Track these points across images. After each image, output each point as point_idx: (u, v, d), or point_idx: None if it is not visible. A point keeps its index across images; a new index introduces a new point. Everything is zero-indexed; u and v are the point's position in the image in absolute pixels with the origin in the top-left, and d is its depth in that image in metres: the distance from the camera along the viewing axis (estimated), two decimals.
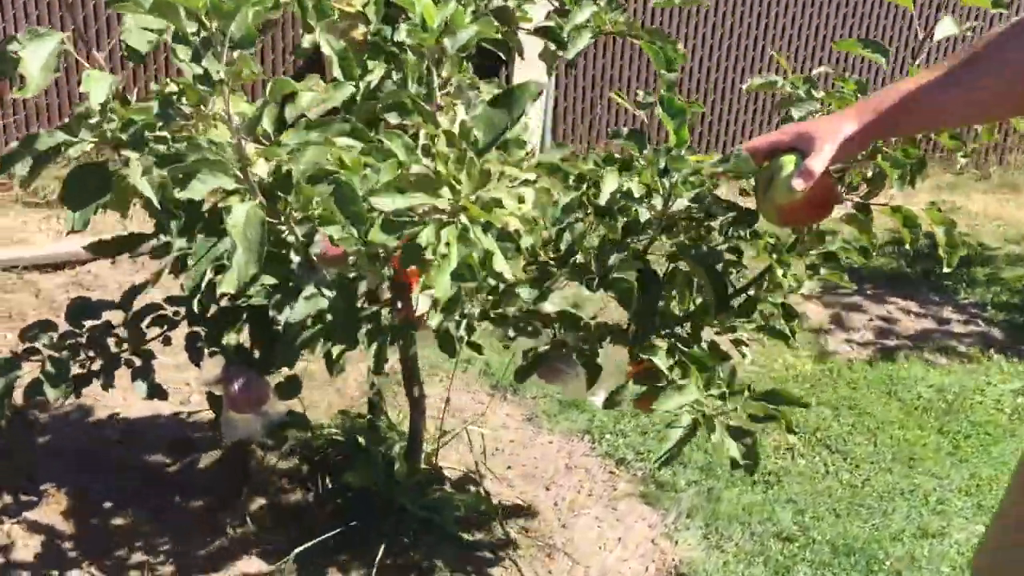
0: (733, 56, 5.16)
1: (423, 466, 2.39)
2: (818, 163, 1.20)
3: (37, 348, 2.13)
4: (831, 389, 3.15)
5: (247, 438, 2.43)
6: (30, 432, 2.58)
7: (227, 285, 1.14)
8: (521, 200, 1.29)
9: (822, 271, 1.85)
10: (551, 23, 1.91)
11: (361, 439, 2.33)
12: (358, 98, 1.68)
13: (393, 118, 1.61)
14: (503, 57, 2.08)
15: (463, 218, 1.19)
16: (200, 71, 1.11)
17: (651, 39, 1.85)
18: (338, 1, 1.88)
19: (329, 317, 1.47)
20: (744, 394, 1.68)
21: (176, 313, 2.17)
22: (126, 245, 1.62)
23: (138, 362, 2.22)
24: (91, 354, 2.16)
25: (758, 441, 1.61)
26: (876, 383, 3.20)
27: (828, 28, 5.26)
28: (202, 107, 1.19)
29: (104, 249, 1.63)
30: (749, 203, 1.78)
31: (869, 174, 1.74)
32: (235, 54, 1.10)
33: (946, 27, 1.36)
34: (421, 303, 1.22)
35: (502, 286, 1.68)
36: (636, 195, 1.38)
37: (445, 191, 1.16)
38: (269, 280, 1.55)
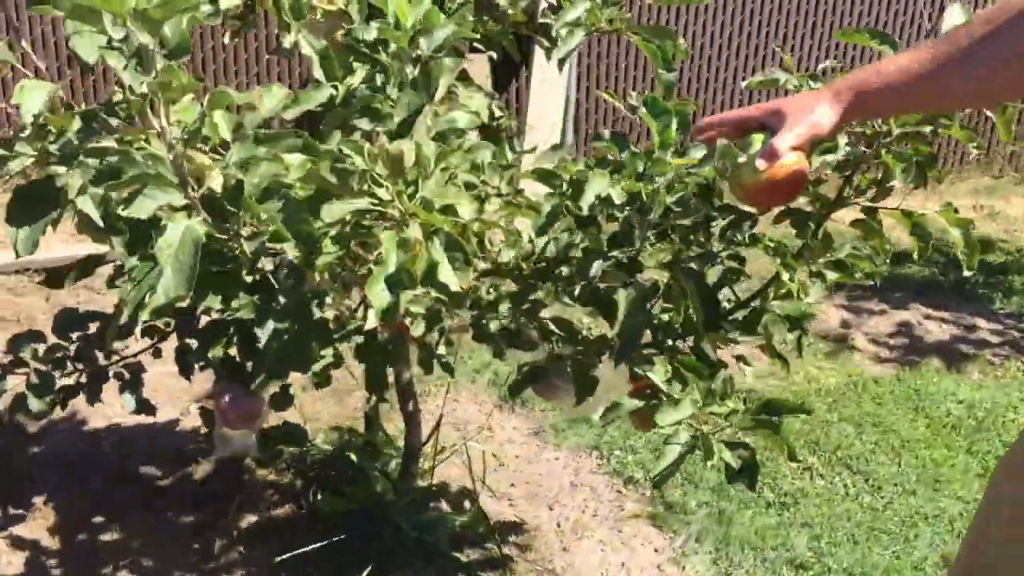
0: (725, 56, 5.02)
1: (420, 483, 2.31)
2: (783, 143, 1.16)
3: (24, 360, 2.09)
4: (854, 404, 3.01)
5: (240, 453, 2.36)
6: (22, 442, 2.53)
7: (150, 311, 1.06)
8: (480, 206, 1.20)
9: (829, 277, 1.74)
10: (546, 20, 1.82)
11: (354, 456, 2.24)
12: (337, 101, 1.60)
13: (365, 124, 1.53)
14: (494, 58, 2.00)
15: (412, 225, 1.09)
16: (137, 82, 1.03)
17: (650, 37, 1.75)
18: (320, 0, 1.81)
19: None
20: (742, 409, 1.59)
21: (167, 324, 2.11)
22: (83, 269, 1.55)
23: (127, 375, 2.17)
24: (79, 366, 2.11)
25: (756, 455, 1.50)
26: (902, 398, 3.06)
27: (825, 26, 5.11)
28: (140, 119, 1.10)
29: (57, 280, 1.56)
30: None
31: (879, 176, 1.63)
32: (160, 65, 1.01)
33: (955, 15, 1.25)
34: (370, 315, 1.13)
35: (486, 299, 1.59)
36: (616, 201, 1.28)
37: (380, 191, 1.07)
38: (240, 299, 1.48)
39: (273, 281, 1.30)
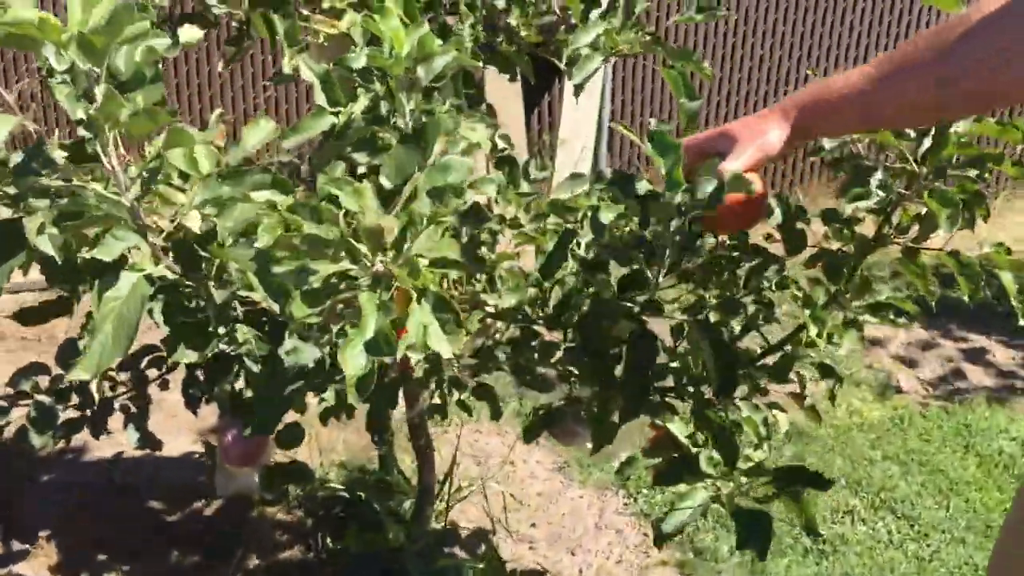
0: (756, 79, 4.81)
1: (435, 525, 2.20)
2: (732, 167, 1.12)
3: (27, 392, 2.02)
4: (900, 440, 2.84)
5: (243, 492, 2.27)
6: (26, 471, 2.46)
7: (80, 371, 0.96)
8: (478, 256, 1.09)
9: (867, 321, 1.60)
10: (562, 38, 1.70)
11: (364, 496, 2.14)
12: (337, 130, 1.50)
13: (362, 158, 1.43)
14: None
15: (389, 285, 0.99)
16: (79, 115, 0.94)
17: (673, 59, 1.62)
18: (322, 24, 1.71)
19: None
20: (766, 462, 1.47)
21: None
22: (55, 309, 1.47)
23: (133, 408, 2.09)
24: (82, 399, 2.04)
25: (772, 522, 1.37)
26: (951, 434, 2.88)
27: (860, 48, 4.86)
28: (99, 154, 1.01)
29: (30, 316, 1.48)
30: (776, 248, 1.54)
31: (922, 211, 1.49)
32: (101, 95, 0.91)
33: None
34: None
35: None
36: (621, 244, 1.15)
37: (356, 253, 0.96)
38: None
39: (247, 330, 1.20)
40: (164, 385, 2.09)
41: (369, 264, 0.97)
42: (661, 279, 1.18)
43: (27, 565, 2.16)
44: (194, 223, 1.18)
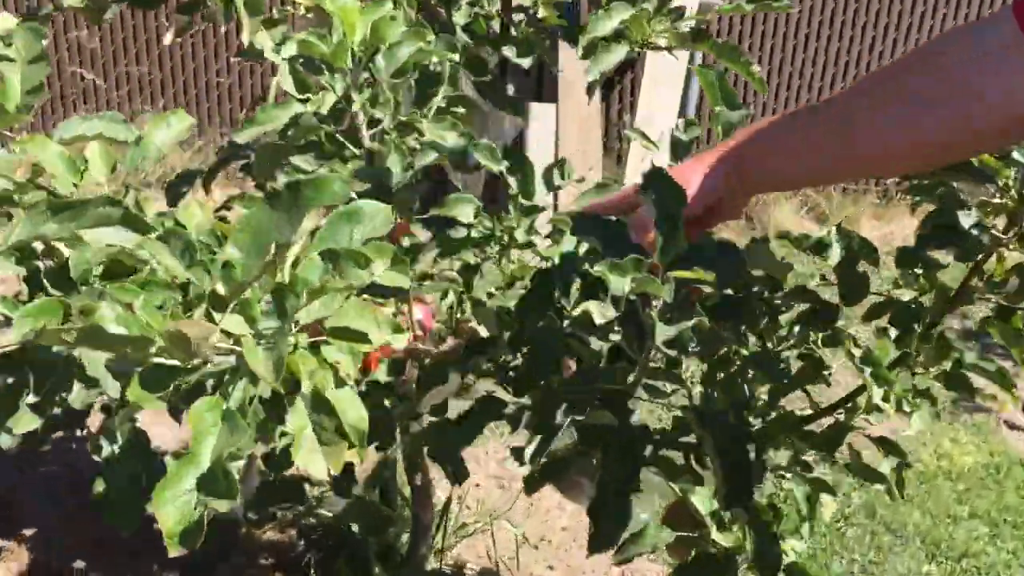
0: (808, 75, 4.30)
1: (433, 564, 1.96)
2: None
3: None
4: (994, 494, 2.46)
5: (228, 513, 2.07)
6: (26, 472, 2.33)
7: None
8: (396, 327, 0.82)
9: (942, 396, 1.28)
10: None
11: (355, 527, 1.91)
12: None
13: (306, 163, 1.17)
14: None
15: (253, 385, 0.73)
16: None
17: (718, 54, 1.31)
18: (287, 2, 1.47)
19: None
20: None
21: None
22: None
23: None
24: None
25: None
26: None
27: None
28: None
29: None
30: (830, 294, 1.23)
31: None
32: None
33: None
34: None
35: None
36: (598, 321, 0.86)
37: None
38: None
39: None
40: None
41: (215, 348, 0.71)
42: (647, 356, 0.89)
43: (27, 565, 2.02)
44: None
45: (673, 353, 0.82)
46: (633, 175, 3.59)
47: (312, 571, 1.94)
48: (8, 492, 2.22)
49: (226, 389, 0.75)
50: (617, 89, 4.35)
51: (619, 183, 1.23)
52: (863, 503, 2.37)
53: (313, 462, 0.73)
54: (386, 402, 1.39)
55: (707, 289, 0.86)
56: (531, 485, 1.52)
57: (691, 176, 0.89)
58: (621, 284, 0.81)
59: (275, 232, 0.68)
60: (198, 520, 0.68)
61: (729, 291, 0.97)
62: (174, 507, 0.68)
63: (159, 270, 0.82)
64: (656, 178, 0.88)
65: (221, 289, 0.68)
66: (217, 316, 0.76)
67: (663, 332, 0.82)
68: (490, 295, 1.41)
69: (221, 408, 0.70)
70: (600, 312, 0.86)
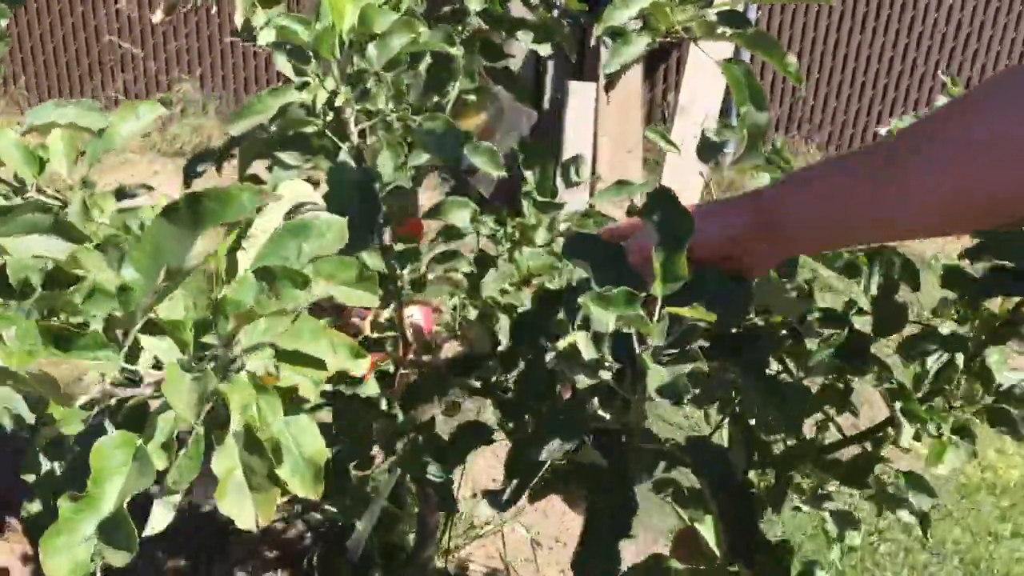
0: (851, 70, 4.04)
1: (438, 564, 1.89)
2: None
3: None
4: None
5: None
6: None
7: None
8: (356, 352, 0.73)
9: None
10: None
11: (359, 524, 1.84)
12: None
13: (292, 159, 1.09)
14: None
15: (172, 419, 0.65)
16: None
17: (751, 47, 1.19)
18: None
19: None
20: None
21: None
22: None
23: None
24: None
25: None
26: None
27: (983, 40, 3.98)
28: None
29: None
30: (862, 321, 1.12)
31: None
32: None
33: None
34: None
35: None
36: (585, 357, 0.76)
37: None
38: None
39: None
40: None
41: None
42: (641, 397, 0.79)
43: (27, 564, 2.00)
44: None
45: (668, 403, 0.71)
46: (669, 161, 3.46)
47: (314, 566, 1.89)
48: (8, 492, 2.19)
49: (153, 420, 0.67)
50: (662, 68, 4.20)
51: (660, 164, 1.13)
52: (897, 516, 2.24)
53: (240, 510, 0.65)
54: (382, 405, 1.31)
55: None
56: (535, 495, 1.44)
57: (707, 216, 0.78)
58: (605, 318, 0.71)
59: (173, 251, 0.59)
60: (93, 575, 0.60)
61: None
62: (67, 558, 0.59)
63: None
64: (661, 197, 0.78)
65: (118, 314, 0.59)
66: (144, 339, 0.68)
67: (656, 377, 0.72)
68: (503, 292, 1.32)
69: (134, 446, 0.62)
70: (589, 346, 0.77)
